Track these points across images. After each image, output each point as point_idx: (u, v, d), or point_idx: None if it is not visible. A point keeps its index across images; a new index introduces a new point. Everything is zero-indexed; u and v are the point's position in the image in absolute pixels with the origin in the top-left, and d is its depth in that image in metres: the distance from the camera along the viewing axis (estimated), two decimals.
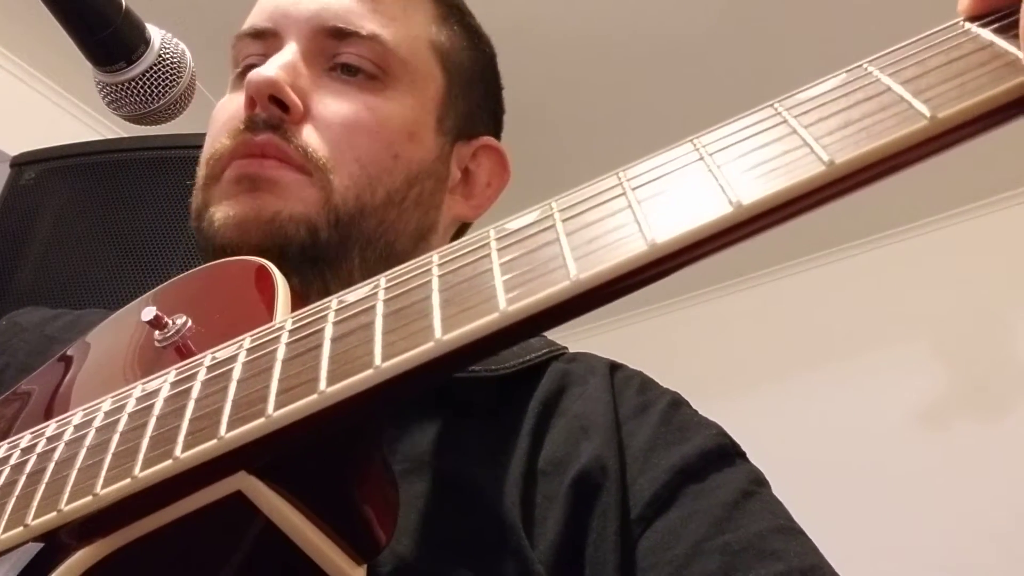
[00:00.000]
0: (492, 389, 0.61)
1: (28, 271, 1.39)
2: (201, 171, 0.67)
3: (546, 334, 0.67)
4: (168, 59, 0.58)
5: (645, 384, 0.63)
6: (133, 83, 0.57)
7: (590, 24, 2.39)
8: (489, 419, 0.60)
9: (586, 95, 2.58)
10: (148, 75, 0.58)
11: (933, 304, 2.87)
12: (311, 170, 0.63)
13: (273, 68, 0.64)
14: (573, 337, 0.71)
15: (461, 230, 0.77)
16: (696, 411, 0.62)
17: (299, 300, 0.62)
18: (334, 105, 0.66)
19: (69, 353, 0.59)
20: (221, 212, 0.63)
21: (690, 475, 0.54)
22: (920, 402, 2.75)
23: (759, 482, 0.56)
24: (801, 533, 0.52)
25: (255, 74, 0.63)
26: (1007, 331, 2.75)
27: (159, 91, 0.58)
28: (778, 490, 0.56)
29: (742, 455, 0.58)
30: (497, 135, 0.79)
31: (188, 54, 0.60)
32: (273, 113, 0.63)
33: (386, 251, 0.66)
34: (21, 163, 1.50)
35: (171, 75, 0.58)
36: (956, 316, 2.82)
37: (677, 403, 0.61)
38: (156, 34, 0.58)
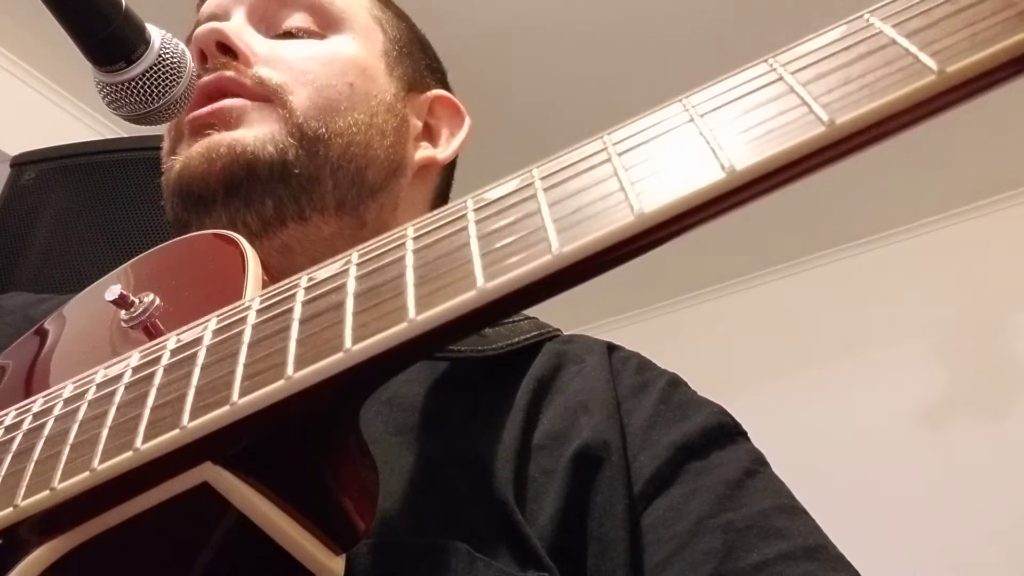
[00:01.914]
0: (480, 370, 0.59)
1: (28, 270, 1.39)
2: (165, 145, 0.68)
3: (539, 317, 0.66)
4: (168, 59, 0.57)
5: (643, 364, 0.62)
6: (133, 83, 0.56)
7: (591, 22, 2.36)
8: (482, 396, 0.58)
9: (586, 92, 2.55)
10: (148, 75, 0.56)
11: (933, 304, 2.86)
12: (268, 95, 0.64)
13: (218, 23, 0.67)
14: None
15: (442, 183, 0.78)
16: (695, 391, 0.60)
17: (276, 226, 0.63)
18: (283, 48, 0.68)
19: (42, 329, 0.57)
20: (183, 155, 0.63)
21: (692, 452, 0.53)
22: (920, 402, 2.74)
23: (761, 461, 0.55)
24: (804, 512, 0.51)
25: (200, 28, 0.66)
26: (1007, 331, 2.74)
27: (159, 91, 0.57)
28: None
29: (743, 434, 0.57)
30: None
31: (188, 54, 0.60)
32: (223, 59, 0.65)
33: (358, 177, 0.66)
34: (21, 163, 1.49)
35: (171, 75, 0.58)
36: (956, 316, 2.81)
37: (676, 383, 0.60)
38: (156, 34, 0.57)
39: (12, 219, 1.43)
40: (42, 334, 0.55)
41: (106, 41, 0.54)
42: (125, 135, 1.71)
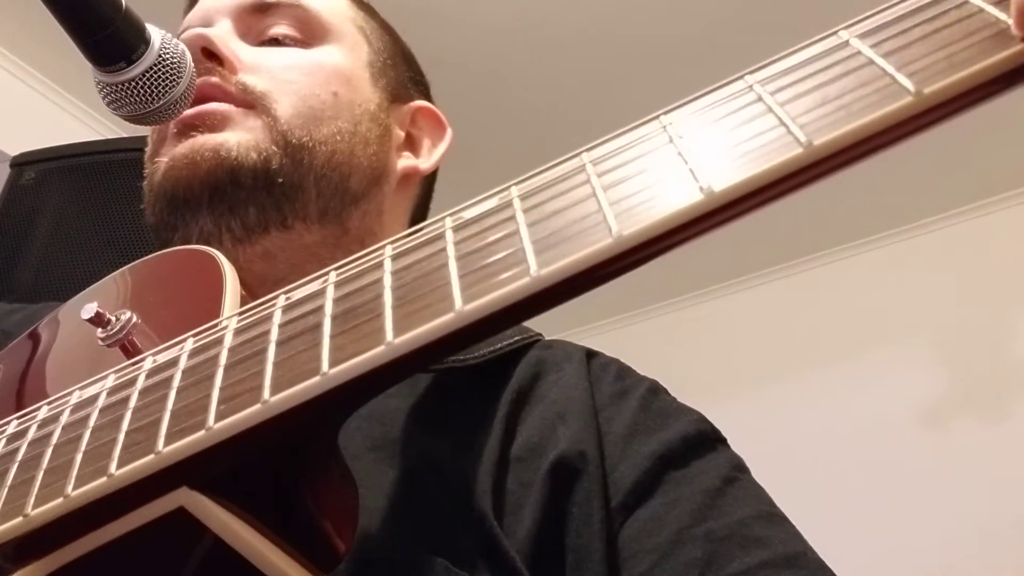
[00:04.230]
0: (463, 378, 0.59)
1: (28, 271, 1.38)
2: (148, 150, 0.68)
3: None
4: (168, 59, 0.57)
5: (623, 371, 0.62)
6: (133, 83, 0.56)
7: (592, 22, 2.36)
8: (462, 407, 0.59)
9: (587, 92, 2.55)
10: (148, 75, 0.56)
11: (933, 304, 2.87)
12: (252, 102, 0.64)
13: (204, 28, 0.67)
14: (573, 337, 0.69)
15: (422, 192, 0.79)
16: (675, 398, 0.60)
17: (259, 233, 0.62)
18: (268, 56, 0.68)
19: (22, 342, 0.56)
20: (167, 156, 0.63)
21: (671, 462, 0.53)
22: (920, 402, 2.75)
23: (740, 468, 0.55)
24: (784, 520, 0.52)
25: (186, 34, 0.66)
26: (1007, 331, 2.75)
27: (159, 91, 0.57)
28: (778, 490, 0.55)
29: (723, 441, 0.57)
30: None
31: (188, 54, 0.60)
32: (208, 64, 0.65)
33: (341, 185, 0.66)
34: (21, 163, 1.48)
35: (171, 75, 0.57)
36: (956, 316, 2.83)
37: (655, 390, 0.60)
38: (156, 34, 0.57)
39: (12, 219, 1.42)
40: (22, 348, 0.55)
41: (106, 41, 0.54)
42: (125, 135, 1.70)
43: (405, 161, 0.73)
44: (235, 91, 0.64)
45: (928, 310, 2.88)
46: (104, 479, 0.33)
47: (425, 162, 0.75)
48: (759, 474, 0.55)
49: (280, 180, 0.63)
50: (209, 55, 0.65)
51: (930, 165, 2.73)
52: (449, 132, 0.78)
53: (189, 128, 0.63)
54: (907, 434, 2.72)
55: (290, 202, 0.63)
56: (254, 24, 0.70)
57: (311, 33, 0.70)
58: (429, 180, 0.79)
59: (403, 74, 0.77)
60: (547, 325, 0.67)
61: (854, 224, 3.05)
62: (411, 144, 0.76)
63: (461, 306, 0.30)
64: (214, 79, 0.64)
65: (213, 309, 0.46)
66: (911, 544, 2.54)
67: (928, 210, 3.02)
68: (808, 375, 2.99)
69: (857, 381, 2.87)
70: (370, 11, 0.79)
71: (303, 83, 0.66)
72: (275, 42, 0.69)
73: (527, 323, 0.67)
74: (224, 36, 0.67)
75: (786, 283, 3.22)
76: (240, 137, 0.63)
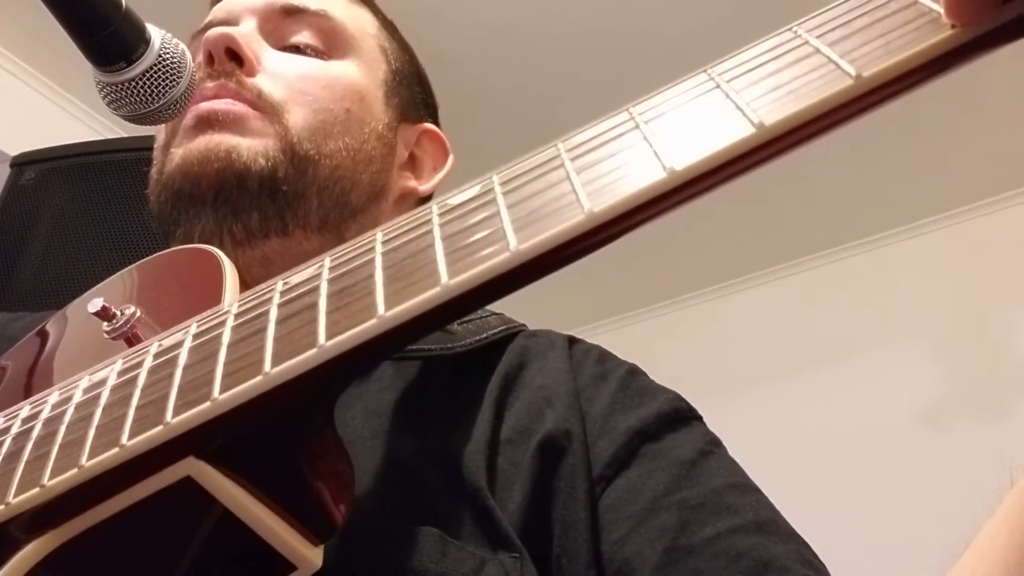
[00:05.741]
0: (451, 368, 0.62)
1: (28, 271, 1.39)
2: (161, 139, 0.70)
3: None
4: (168, 59, 0.58)
5: (603, 355, 0.65)
6: (133, 83, 0.57)
7: (592, 21, 2.38)
8: (452, 394, 0.61)
9: (591, 91, 2.58)
10: (148, 75, 0.58)
11: (933, 304, 2.87)
12: (266, 109, 0.66)
13: (229, 28, 0.68)
14: None
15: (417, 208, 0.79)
16: (653, 380, 0.63)
17: (260, 238, 0.64)
18: (287, 63, 0.69)
19: (35, 337, 0.59)
20: (181, 150, 0.65)
21: (647, 436, 0.56)
22: (920, 402, 2.75)
23: (715, 443, 0.58)
24: (756, 490, 0.54)
25: (212, 31, 0.68)
26: (1007, 331, 2.75)
27: (159, 91, 0.58)
28: (778, 490, 0.57)
29: (698, 418, 0.60)
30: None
31: (188, 54, 0.61)
32: (228, 66, 0.67)
33: (342, 199, 0.68)
34: (21, 163, 1.49)
35: (171, 75, 0.59)
36: (956, 316, 2.83)
37: (634, 372, 0.63)
38: (156, 34, 0.59)
39: (12, 219, 1.43)
40: (32, 344, 0.57)
41: (106, 41, 0.55)
42: (125, 135, 1.71)
43: (405, 181, 0.76)
44: (250, 97, 0.66)
45: (928, 310, 2.88)
46: (116, 450, 0.35)
47: (424, 185, 0.78)
48: (758, 474, 0.57)
49: (284, 188, 0.65)
50: (231, 55, 0.67)
51: (930, 165, 2.74)
52: (451, 158, 0.80)
53: (205, 123, 0.65)
54: (907, 434, 2.71)
55: (292, 210, 0.65)
56: (279, 26, 0.72)
57: (333, 45, 0.72)
58: (426, 199, 0.80)
59: (416, 95, 0.80)
60: (548, 325, 0.69)
61: (854, 224, 3.06)
62: (413, 165, 0.78)
63: (447, 280, 0.33)
64: (232, 85, 0.66)
65: (214, 301, 0.48)
66: (911, 544, 2.54)
67: (928, 210, 3.02)
68: (807, 375, 2.99)
69: (857, 381, 2.88)
70: (392, 29, 0.81)
71: (318, 96, 0.68)
72: (296, 49, 0.71)
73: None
74: (248, 36, 0.69)
75: (785, 283, 3.22)
76: (252, 142, 0.64)
